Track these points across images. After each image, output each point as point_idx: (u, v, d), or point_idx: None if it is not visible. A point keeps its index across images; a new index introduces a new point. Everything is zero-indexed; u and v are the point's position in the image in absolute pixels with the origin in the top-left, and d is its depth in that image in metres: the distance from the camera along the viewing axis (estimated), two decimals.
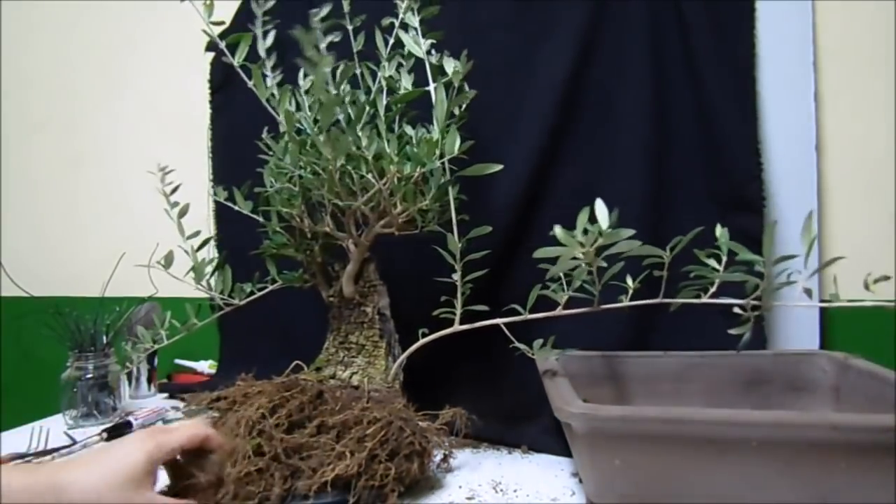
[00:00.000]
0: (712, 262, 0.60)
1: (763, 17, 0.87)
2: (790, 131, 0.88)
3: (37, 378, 0.77)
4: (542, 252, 0.55)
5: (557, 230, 0.51)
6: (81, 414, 0.89)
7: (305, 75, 0.74)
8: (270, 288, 0.81)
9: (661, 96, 0.87)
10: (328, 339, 0.78)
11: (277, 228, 0.77)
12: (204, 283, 0.75)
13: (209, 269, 0.76)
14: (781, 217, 0.87)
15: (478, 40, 0.90)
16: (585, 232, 0.51)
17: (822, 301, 0.57)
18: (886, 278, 0.50)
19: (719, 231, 0.61)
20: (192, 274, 0.74)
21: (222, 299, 0.76)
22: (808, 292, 0.54)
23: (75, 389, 0.88)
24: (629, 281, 0.63)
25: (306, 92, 0.73)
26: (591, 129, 0.89)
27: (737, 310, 0.59)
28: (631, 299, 0.63)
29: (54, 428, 0.86)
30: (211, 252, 0.80)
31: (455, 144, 0.65)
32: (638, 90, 0.87)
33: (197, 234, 0.75)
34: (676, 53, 0.86)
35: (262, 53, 0.71)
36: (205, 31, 0.70)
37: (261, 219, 0.79)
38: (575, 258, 0.53)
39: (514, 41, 0.90)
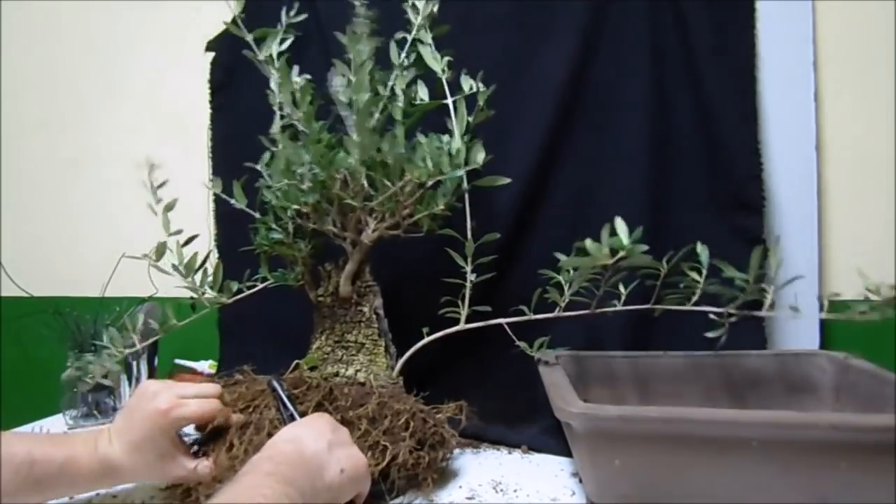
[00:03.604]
0: (693, 275, 0.66)
1: (763, 17, 0.87)
2: (790, 131, 0.88)
3: (37, 378, 0.76)
4: (569, 262, 0.61)
5: (588, 243, 0.55)
6: (81, 414, 0.89)
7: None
8: (260, 286, 0.80)
9: (661, 96, 0.87)
10: (318, 338, 0.77)
11: (273, 226, 0.77)
12: (190, 279, 0.73)
13: (196, 265, 0.72)
14: (781, 217, 0.87)
15: (478, 40, 0.90)
16: (612, 250, 0.55)
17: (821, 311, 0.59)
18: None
19: (700, 248, 0.66)
20: (177, 271, 0.71)
21: (208, 297, 0.74)
22: (795, 309, 0.61)
23: (75, 389, 0.88)
24: (621, 287, 0.69)
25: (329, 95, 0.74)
26: (591, 128, 0.89)
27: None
28: (623, 304, 0.70)
29: (54, 428, 0.86)
30: (209, 250, 0.78)
31: (479, 156, 0.69)
32: (638, 90, 0.87)
33: (180, 231, 0.71)
34: (676, 53, 0.86)
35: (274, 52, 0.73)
36: (226, 24, 0.70)
37: (257, 214, 0.78)
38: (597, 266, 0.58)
39: (513, 41, 0.90)
